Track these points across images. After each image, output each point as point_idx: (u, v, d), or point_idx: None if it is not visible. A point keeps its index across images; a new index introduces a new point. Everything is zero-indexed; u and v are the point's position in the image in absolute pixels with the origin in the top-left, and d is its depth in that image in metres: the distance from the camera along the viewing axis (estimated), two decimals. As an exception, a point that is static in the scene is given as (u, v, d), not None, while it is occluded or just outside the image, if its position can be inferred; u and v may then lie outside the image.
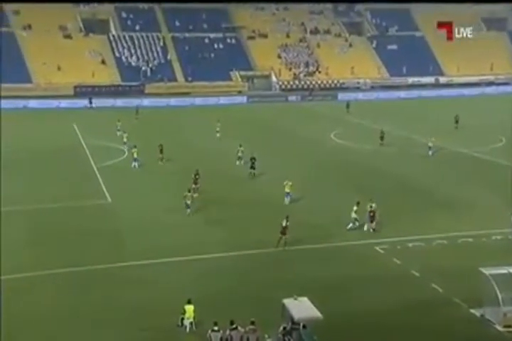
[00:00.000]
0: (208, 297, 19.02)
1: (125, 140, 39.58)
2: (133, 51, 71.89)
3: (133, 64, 71.28)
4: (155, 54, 72.80)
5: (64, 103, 60.64)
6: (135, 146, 35.15)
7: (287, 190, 27.71)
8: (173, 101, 64.44)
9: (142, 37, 73.32)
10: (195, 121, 52.36)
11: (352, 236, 24.21)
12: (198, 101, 65.15)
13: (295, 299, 16.33)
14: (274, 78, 72.71)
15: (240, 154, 34.88)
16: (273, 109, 60.54)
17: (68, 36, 70.53)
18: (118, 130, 43.89)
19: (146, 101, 62.99)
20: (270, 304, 17.41)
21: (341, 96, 67.39)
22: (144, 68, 70.54)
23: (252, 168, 32.32)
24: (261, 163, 32.96)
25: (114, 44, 71.95)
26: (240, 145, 35.41)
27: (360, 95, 68.20)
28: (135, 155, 34.37)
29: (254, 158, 32.48)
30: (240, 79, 71.50)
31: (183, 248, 23.29)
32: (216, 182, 31.34)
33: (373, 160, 36.58)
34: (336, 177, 32.94)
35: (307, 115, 56.56)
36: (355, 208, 24.51)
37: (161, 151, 35.74)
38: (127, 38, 72.87)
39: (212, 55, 73.27)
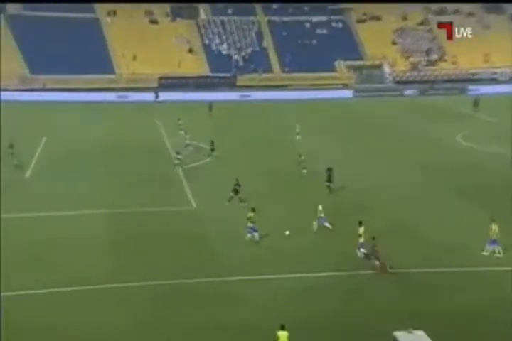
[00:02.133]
0: (304, 322, 19.04)
1: (187, 141, 39.92)
2: (224, 38, 73.51)
3: (223, 52, 72.87)
4: (248, 41, 74.05)
5: (148, 96, 63.23)
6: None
7: (320, 214, 26.71)
8: (266, 94, 65.02)
9: (234, 21, 74.86)
10: (285, 119, 52.17)
11: (482, 260, 23.49)
12: (296, 95, 65.27)
13: (409, 332, 15.88)
14: (387, 68, 71.59)
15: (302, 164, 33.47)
16: (385, 104, 59.57)
17: (154, 21, 73.59)
18: (180, 129, 44.64)
19: (234, 95, 64.33)
20: (378, 336, 17.06)
21: (472, 89, 64.86)
22: (235, 57, 71.88)
23: (329, 181, 31.39)
24: (359, 169, 33.04)
25: (203, 30, 73.94)
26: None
27: (496, 88, 65.09)
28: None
29: (330, 169, 31.51)
30: (346, 70, 71.09)
31: (277, 263, 23.54)
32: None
33: (510, 169, 35.17)
34: (462, 190, 31.90)
35: (427, 112, 55.01)
36: (494, 227, 23.68)
37: (212, 149, 37.32)
38: (218, 22, 74.61)
39: (315, 41, 73.31)
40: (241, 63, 71.48)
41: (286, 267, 23.17)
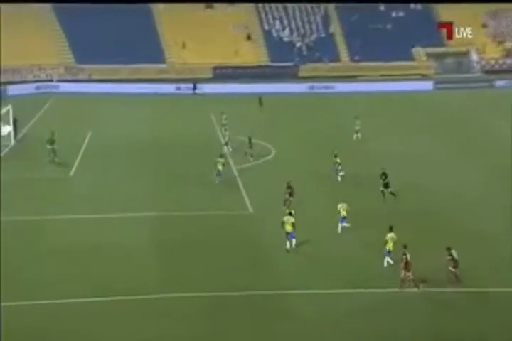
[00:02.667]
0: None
1: (225, 140, 39.45)
2: (286, 23, 73.12)
3: (285, 39, 72.46)
4: (313, 26, 73.35)
5: (202, 87, 63.10)
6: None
7: (343, 213, 26.91)
8: (332, 86, 64.27)
9: (298, 5, 74.25)
10: (350, 114, 51.27)
11: None
12: (366, 87, 64.22)
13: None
14: (474, 56, 69.56)
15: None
16: (471, 98, 57.75)
17: (210, 6, 73.90)
18: (223, 125, 43.78)
19: (296, 87, 63.70)
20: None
21: None
22: (298, 44, 71.39)
23: (386, 186, 31.04)
24: (430, 173, 32.82)
25: (262, 15, 73.76)
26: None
27: None
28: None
29: (384, 174, 31.29)
30: (425, 59, 69.63)
31: (345, 277, 23.27)
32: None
33: None
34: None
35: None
36: None
37: (250, 145, 37.71)
38: (279, 7, 74.27)
39: (389, 26, 71.84)
40: (304, 51, 70.94)
41: (341, 280, 23.01)
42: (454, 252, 22.66)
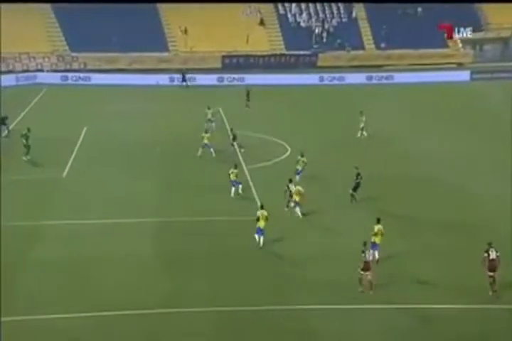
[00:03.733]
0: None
1: (205, 141, 39.02)
2: (303, 6, 72.95)
3: (302, 24, 72.34)
4: (334, 10, 73.20)
5: (207, 79, 63.34)
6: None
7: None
8: (355, 77, 64.16)
9: (318, -14, 74.50)
10: (369, 109, 51.04)
11: None
12: (394, 77, 64.13)
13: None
14: (517, 42, 69.48)
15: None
16: None
17: (218, -13, 74.10)
18: (209, 121, 44.02)
19: (314, 78, 63.42)
20: None
21: None
22: (317, 30, 71.24)
23: (354, 189, 31.48)
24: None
25: (277, -4, 73.96)
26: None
27: None
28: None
29: (359, 175, 31.44)
30: (461, 45, 69.21)
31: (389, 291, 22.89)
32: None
33: None
34: None
35: None
36: None
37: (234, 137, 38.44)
38: (297, -13, 74.53)
39: (420, 9, 71.48)
40: (324, 38, 70.79)
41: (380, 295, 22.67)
42: (493, 250, 22.34)
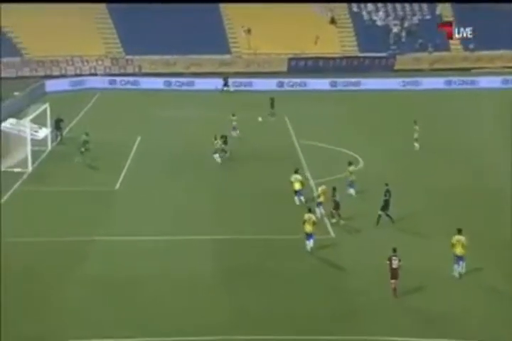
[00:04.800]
0: None
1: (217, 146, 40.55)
2: (379, 4, 73.06)
3: (378, 23, 72.30)
4: (415, 6, 72.87)
5: (272, 83, 64.03)
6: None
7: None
8: (437, 82, 63.65)
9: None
10: (450, 117, 50.77)
11: None
12: (485, 82, 63.10)
13: None
14: None
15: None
16: None
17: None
18: (234, 129, 45.74)
19: (392, 83, 63.21)
20: None
21: None
22: (395, 30, 70.99)
23: (384, 208, 31.36)
24: None
25: (351, -7, 73.85)
26: None
27: None
28: None
29: (387, 192, 31.31)
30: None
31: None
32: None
33: None
34: None
35: None
36: None
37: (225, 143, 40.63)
38: (372, -18, 74.24)
39: (514, 6, 70.65)
40: (403, 38, 70.41)
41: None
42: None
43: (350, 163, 35.79)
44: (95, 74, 65.76)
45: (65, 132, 46.09)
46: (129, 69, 67.28)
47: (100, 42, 68.66)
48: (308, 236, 28.44)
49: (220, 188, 36.56)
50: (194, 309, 23.87)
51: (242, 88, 62.81)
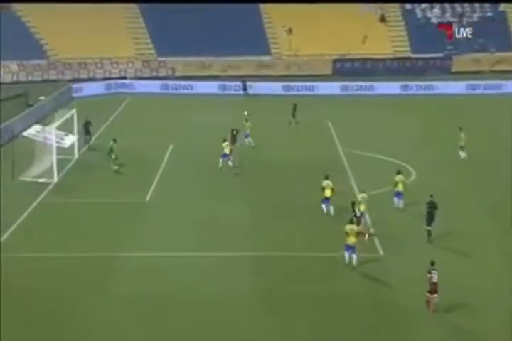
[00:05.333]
0: None
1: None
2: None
3: (433, 21, 71.66)
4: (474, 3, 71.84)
5: (320, 87, 63.84)
6: None
7: None
8: (498, 86, 63.09)
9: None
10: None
11: None
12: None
13: None
14: None
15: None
16: None
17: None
18: (247, 136, 45.73)
19: (449, 87, 62.75)
20: None
21: None
22: (454, 28, 70.45)
23: (429, 221, 31.00)
24: None
25: (403, -12, 73.14)
26: None
27: None
28: None
29: (432, 204, 31.16)
30: None
31: None
32: None
33: None
34: None
35: None
36: None
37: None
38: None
39: None
40: (461, 37, 69.43)
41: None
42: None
43: (398, 172, 35.61)
44: (125, 78, 66.48)
45: (94, 138, 46.61)
46: (162, 72, 67.82)
47: (131, 43, 69.21)
48: (350, 248, 28.31)
49: (256, 200, 36.54)
50: (228, 333, 23.85)
51: (278, 92, 63.15)
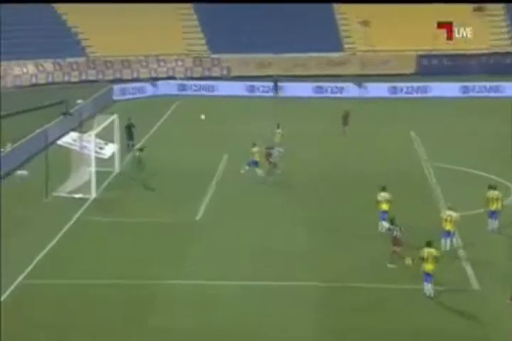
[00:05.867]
0: None
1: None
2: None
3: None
4: None
5: (402, 89, 64.03)
6: None
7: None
8: None
9: None
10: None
11: None
12: None
13: None
14: None
15: None
16: None
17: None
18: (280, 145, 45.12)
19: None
20: None
21: None
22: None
23: None
24: None
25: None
26: None
27: None
28: None
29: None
30: None
31: None
32: None
33: None
34: None
35: None
36: None
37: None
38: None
39: None
40: None
41: None
42: None
43: (492, 187, 35.23)
44: (174, 78, 67.13)
45: (138, 144, 47.02)
46: (215, 72, 68.60)
47: (180, 38, 70.21)
48: (428, 276, 28.29)
49: (317, 221, 36.55)
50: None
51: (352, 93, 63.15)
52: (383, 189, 34.88)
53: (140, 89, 64.95)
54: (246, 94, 64.32)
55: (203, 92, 65.23)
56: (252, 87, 65.01)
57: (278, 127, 47.78)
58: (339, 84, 65.02)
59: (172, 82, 66.47)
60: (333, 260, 32.42)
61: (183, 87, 65.66)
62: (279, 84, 64.09)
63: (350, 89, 64.36)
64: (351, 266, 31.88)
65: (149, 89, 65.05)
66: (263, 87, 64.81)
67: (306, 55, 68.50)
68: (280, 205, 38.94)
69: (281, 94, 63.89)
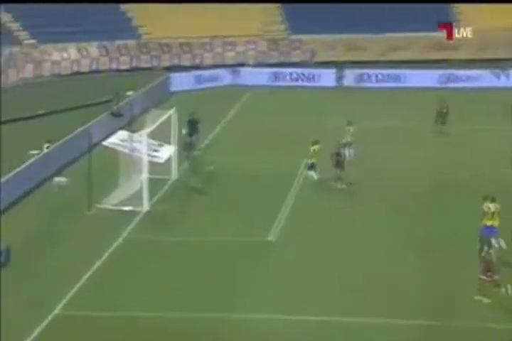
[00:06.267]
0: None
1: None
2: None
3: None
4: None
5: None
6: None
7: None
8: None
9: None
10: None
11: None
12: None
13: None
14: None
15: None
16: None
17: None
18: (348, 146, 45.08)
19: None
20: None
21: None
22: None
23: None
24: None
25: None
26: None
27: None
28: None
29: None
30: None
31: None
32: None
33: None
34: None
35: None
36: None
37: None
38: None
39: None
40: None
41: None
42: None
43: None
44: (244, 64, 67.34)
45: (199, 149, 47.33)
46: (295, 57, 68.71)
47: (252, 16, 70.38)
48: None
49: (415, 242, 36.53)
50: None
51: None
52: (488, 198, 34.24)
53: (203, 78, 64.92)
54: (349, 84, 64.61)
55: (280, 82, 65.20)
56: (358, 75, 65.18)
57: (349, 124, 47.55)
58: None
59: (243, 68, 66.32)
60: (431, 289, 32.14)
61: (255, 75, 65.38)
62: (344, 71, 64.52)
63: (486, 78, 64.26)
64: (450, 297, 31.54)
65: (214, 78, 65.00)
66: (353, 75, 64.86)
67: (413, 34, 69.01)
68: (372, 222, 38.87)
69: (345, 83, 64.12)
